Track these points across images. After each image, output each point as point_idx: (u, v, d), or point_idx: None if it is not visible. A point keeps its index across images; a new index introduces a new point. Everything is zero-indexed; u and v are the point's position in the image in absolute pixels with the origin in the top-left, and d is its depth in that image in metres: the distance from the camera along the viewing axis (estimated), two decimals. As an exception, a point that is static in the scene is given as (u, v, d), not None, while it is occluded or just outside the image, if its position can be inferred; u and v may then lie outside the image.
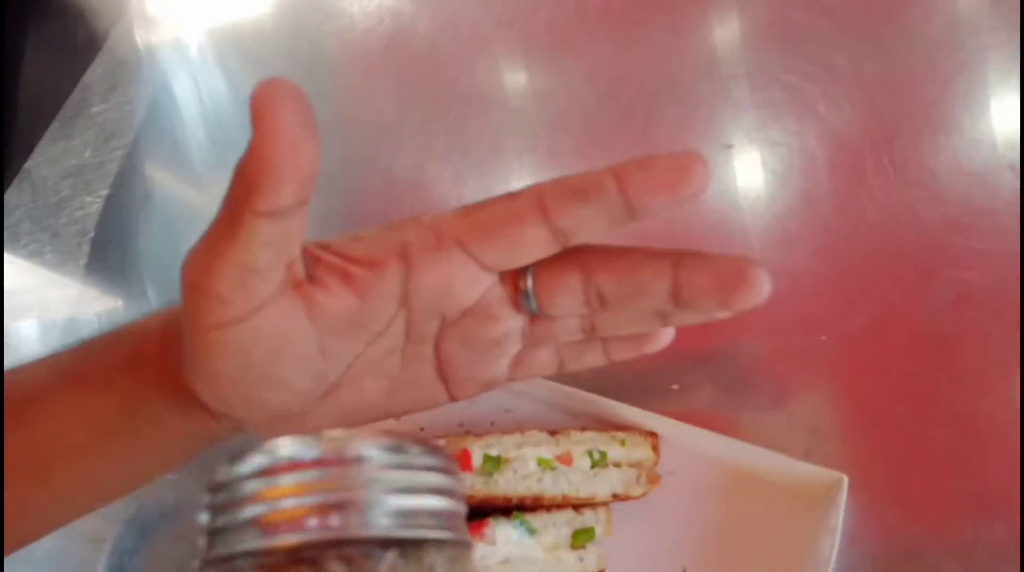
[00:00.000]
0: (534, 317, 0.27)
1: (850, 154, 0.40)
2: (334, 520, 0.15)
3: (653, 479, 0.35)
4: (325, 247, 0.25)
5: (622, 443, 0.35)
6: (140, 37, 0.60)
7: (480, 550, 0.32)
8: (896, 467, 0.34)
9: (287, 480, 0.15)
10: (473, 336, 0.26)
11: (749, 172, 0.42)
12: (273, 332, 0.23)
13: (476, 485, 0.34)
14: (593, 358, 0.29)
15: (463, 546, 0.16)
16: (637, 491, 0.34)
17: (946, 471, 0.33)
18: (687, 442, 0.35)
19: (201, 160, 0.53)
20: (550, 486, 0.34)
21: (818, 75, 0.43)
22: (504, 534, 0.33)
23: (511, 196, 0.24)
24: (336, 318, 0.24)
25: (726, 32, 0.47)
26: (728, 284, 0.22)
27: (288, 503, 0.15)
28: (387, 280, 0.24)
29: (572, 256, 0.25)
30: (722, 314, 0.23)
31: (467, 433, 0.37)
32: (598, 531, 0.34)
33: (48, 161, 0.55)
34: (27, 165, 0.55)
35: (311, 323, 0.24)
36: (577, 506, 0.34)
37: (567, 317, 0.26)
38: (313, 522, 0.14)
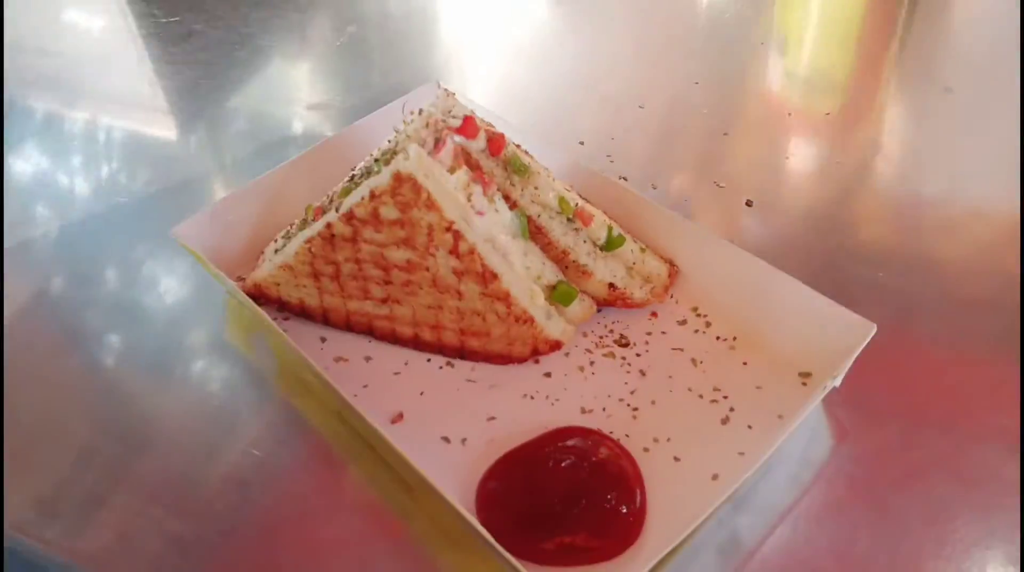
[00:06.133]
0: None
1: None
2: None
3: (658, 294, 0.32)
4: None
5: (642, 249, 0.33)
6: None
7: (478, 201, 0.29)
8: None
9: None
10: None
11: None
12: None
13: (496, 173, 0.31)
14: None
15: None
16: (637, 294, 0.32)
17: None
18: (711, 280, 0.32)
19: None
20: (558, 231, 0.31)
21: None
22: (503, 211, 0.30)
23: None
24: None
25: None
26: None
27: None
28: None
29: None
30: None
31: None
32: (578, 305, 0.31)
33: None
34: None
35: None
36: (565, 269, 0.31)
37: None
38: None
